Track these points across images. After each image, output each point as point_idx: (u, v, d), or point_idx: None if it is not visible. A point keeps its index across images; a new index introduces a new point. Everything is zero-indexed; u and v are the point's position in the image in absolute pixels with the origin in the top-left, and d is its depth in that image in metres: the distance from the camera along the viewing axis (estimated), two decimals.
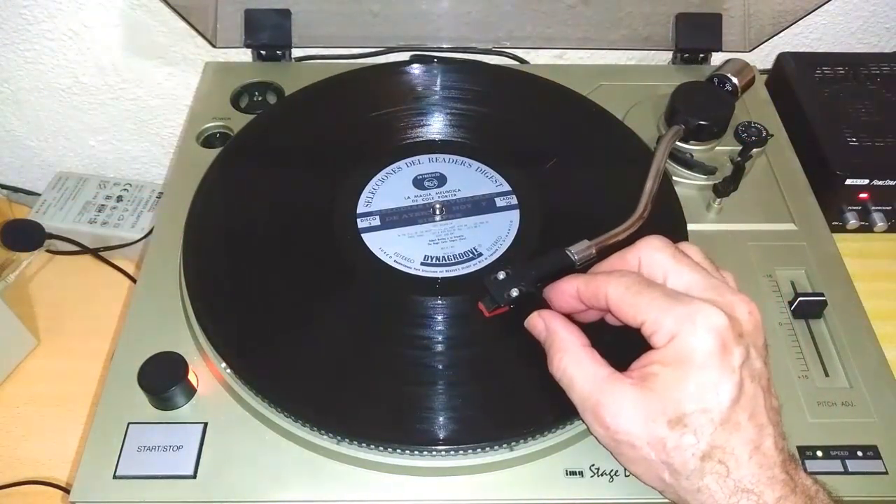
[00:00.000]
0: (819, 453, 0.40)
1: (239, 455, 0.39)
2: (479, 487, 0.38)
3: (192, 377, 0.41)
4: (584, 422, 0.36)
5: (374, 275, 0.46)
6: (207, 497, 0.38)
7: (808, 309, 0.45)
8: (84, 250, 0.66)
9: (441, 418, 0.39)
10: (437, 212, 0.50)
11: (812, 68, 0.65)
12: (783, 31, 0.62)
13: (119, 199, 0.70)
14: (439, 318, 0.44)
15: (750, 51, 0.63)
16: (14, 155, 0.77)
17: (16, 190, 0.77)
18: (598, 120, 0.56)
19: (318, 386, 0.41)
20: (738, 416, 0.32)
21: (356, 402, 0.40)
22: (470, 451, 0.38)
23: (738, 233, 0.50)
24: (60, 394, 0.59)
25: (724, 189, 0.50)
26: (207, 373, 0.42)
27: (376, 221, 0.49)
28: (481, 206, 0.50)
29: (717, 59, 0.62)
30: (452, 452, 0.38)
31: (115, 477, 0.38)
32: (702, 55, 0.64)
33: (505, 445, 0.39)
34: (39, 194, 0.71)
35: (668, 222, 0.48)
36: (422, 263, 0.47)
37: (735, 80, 0.54)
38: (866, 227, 0.60)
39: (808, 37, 0.73)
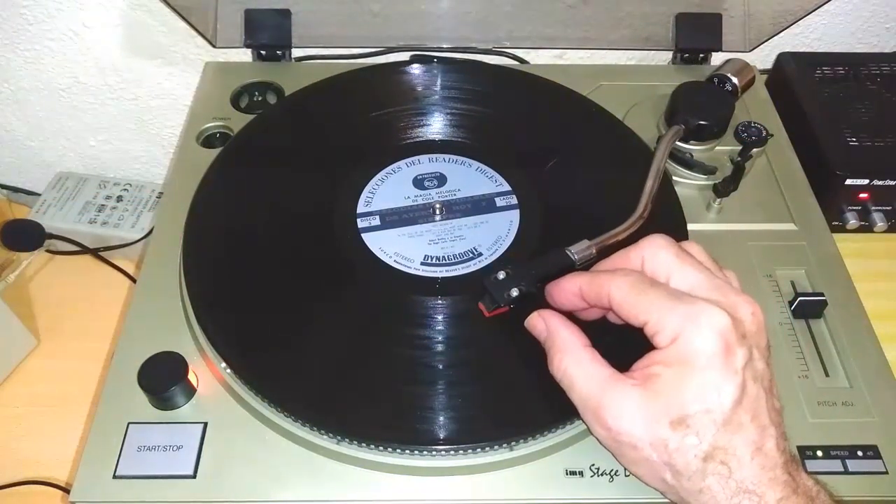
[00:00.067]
0: (819, 453, 0.40)
1: (239, 455, 0.39)
2: (479, 487, 0.38)
3: (192, 377, 0.41)
4: (584, 422, 0.36)
5: (374, 275, 0.46)
6: (207, 497, 0.38)
7: (808, 309, 0.45)
8: (84, 250, 0.66)
9: (441, 418, 0.39)
10: (437, 212, 0.50)
11: (812, 68, 0.65)
12: (783, 31, 0.62)
13: (119, 199, 0.70)
14: (439, 317, 0.44)
15: (750, 51, 0.63)
16: (14, 155, 0.77)
17: (16, 190, 0.77)
18: (598, 120, 0.56)
19: (318, 386, 0.41)
20: (741, 417, 0.32)
21: (356, 402, 0.40)
22: (470, 450, 0.38)
23: (738, 233, 0.50)
24: (60, 394, 0.59)
25: (724, 189, 0.50)
26: (207, 373, 0.42)
27: (376, 221, 0.49)
28: (481, 205, 0.50)
29: (717, 59, 0.62)
30: (452, 452, 0.38)
31: (114, 477, 0.38)
32: (702, 55, 0.63)
33: (505, 445, 0.39)
34: (39, 194, 0.71)
35: (668, 222, 0.48)
36: (422, 263, 0.47)
37: (735, 80, 0.54)
38: (866, 227, 0.60)
39: (808, 37, 0.73)
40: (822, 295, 0.45)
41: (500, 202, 0.50)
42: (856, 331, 0.45)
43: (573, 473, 0.39)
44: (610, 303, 0.36)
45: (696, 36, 0.63)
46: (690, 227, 0.49)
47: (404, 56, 0.64)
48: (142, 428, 0.40)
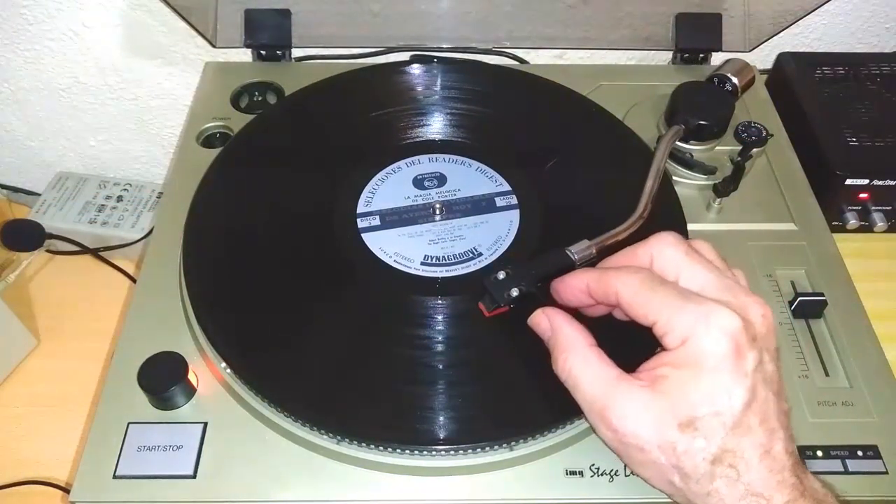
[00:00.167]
0: (819, 453, 0.40)
1: (239, 455, 0.39)
2: (479, 487, 0.38)
3: (192, 377, 0.41)
4: (589, 423, 0.36)
5: (374, 275, 0.46)
6: (207, 497, 0.38)
7: (808, 309, 0.45)
8: (84, 250, 0.66)
9: (441, 418, 0.39)
10: (437, 212, 0.50)
11: (812, 68, 0.65)
12: (783, 31, 0.62)
13: (119, 199, 0.70)
14: (439, 317, 0.44)
15: (750, 51, 0.63)
16: (14, 155, 0.77)
17: (16, 190, 0.77)
18: (598, 120, 0.56)
19: (318, 386, 0.41)
20: (750, 420, 0.32)
21: (356, 402, 0.40)
22: (470, 450, 0.38)
23: (738, 233, 0.50)
24: (60, 394, 0.59)
25: (724, 189, 0.50)
26: (207, 373, 0.42)
27: (376, 221, 0.49)
28: (481, 205, 0.50)
29: (717, 59, 0.62)
30: (452, 452, 0.38)
31: (114, 477, 0.38)
32: (702, 55, 0.63)
33: (505, 445, 0.39)
34: (39, 194, 0.71)
35: (668, 222, 0.47)
36: (422, 263, 0.47)
37: (735, 80, 0.54)
38: (866, 227, 0.60)
39: (808, 37, 0.73)
40: (822, 295, 0.46)
41: (500, 202, 0.50)
42: (856, 331, 0.45)
43: (573, 473, 0.39)
44: (618, 301, 0.35)
45: (696, 36, 0.63)
46: (690, 227, 0.49)
47: (404, 56, 0.64)
48: (142, 428, 0.40)
